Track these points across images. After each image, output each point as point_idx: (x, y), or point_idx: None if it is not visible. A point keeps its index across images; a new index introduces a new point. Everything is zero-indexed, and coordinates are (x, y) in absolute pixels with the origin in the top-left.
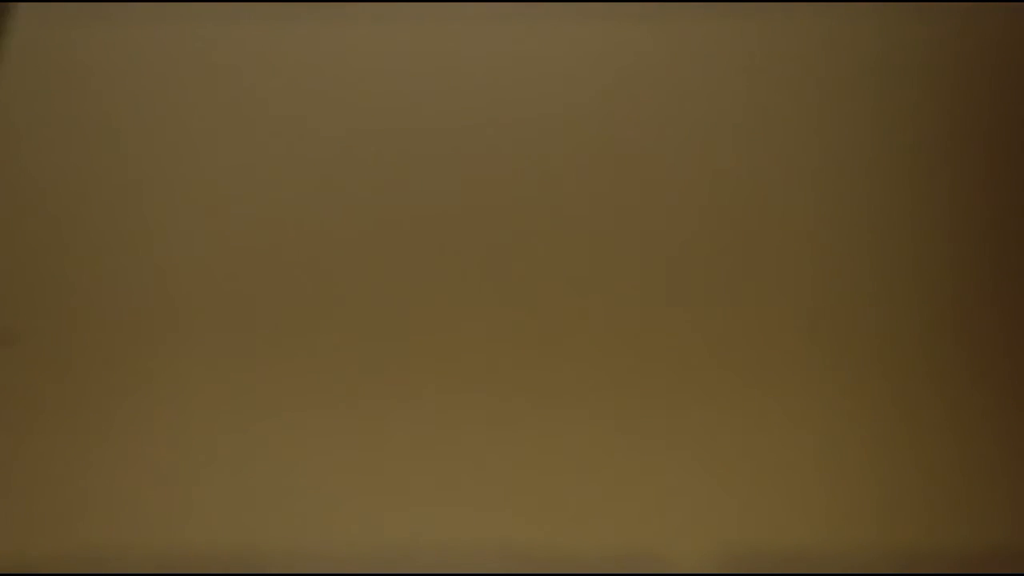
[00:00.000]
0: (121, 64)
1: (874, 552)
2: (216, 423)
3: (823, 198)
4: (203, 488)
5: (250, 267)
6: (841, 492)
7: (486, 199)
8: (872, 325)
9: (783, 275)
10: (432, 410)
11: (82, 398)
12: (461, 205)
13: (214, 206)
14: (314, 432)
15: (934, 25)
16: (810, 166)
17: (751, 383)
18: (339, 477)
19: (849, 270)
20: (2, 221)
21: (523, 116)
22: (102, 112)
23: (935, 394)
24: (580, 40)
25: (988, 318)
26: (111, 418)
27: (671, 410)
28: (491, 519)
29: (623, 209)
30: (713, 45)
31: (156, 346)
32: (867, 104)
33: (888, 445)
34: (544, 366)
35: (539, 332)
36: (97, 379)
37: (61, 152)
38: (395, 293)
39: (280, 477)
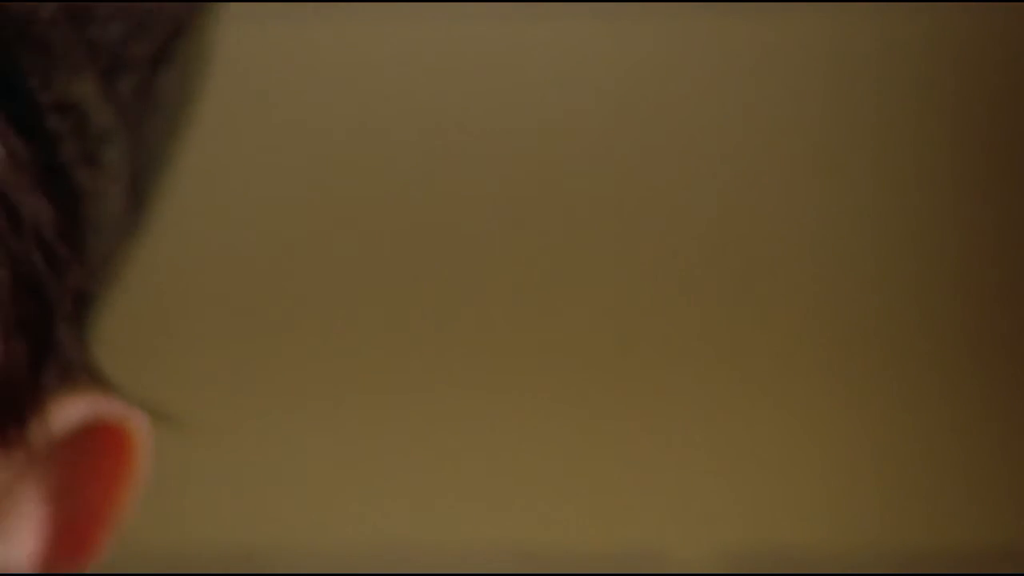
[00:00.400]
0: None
1: (876, 552)
2: (217, 422)
3: (825, 196)
4: (202, 488)
5: (249, 267)
6: (843, 492)
7: (486, 198)
8: (874, 324)
9: (785, 274)
10: (432, 409)
11: None
12: (461, 205)
13: (218, 205)
14: (315, 431)
15: (934, 25)
16: (812, 164)
17: (752, 382)
18: (336, 476)
19: (851, 270)
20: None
21: (522, 115)
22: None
23: (938, 394)
24: (580, 39)
25: (991, 316)
26: None
27: (672, 408)
28: (491, 518)
29: (624, 208)
30: (713, 45)
31: (158, 344)
32: (868, 103)
33: (891, 444)
34: (545, 365)
35: (540, 331)
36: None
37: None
38: (393, 291)
39: (281, 476)
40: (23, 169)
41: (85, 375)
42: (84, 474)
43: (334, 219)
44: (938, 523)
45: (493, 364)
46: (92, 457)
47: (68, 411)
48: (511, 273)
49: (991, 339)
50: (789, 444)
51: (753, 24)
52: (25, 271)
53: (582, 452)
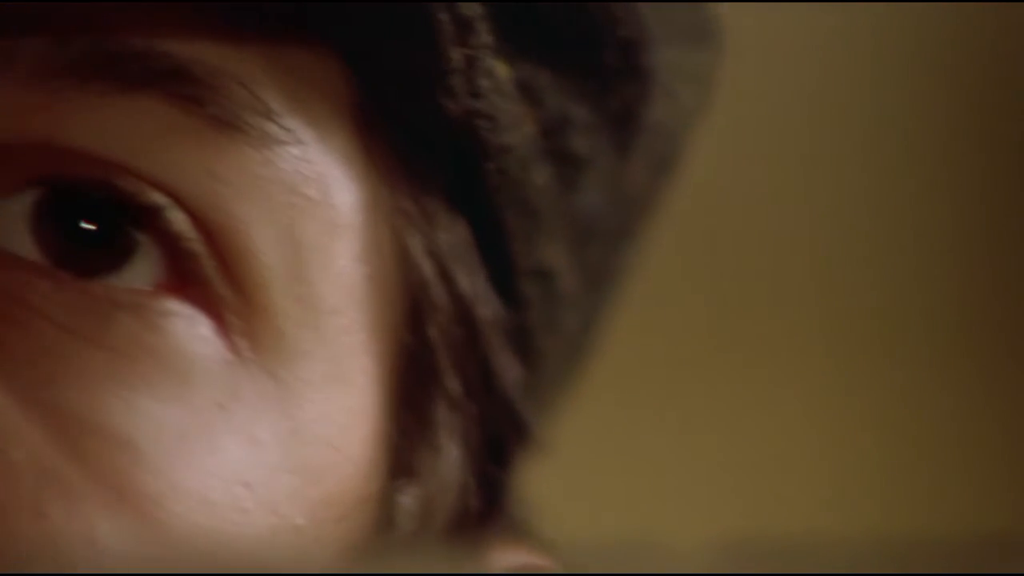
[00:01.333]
0: None
1: (876, 539)
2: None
3: (826, 189)
4: None
5: None
6: (843, 480)
7: None
8: (873, 313)
9: (787, 267)
10: None
11: None
12: None
13: None
14: None
15: (936, 24)
16: (814, 158)
17: (752, 371)
18: None
19: (853, 262)
20: None
21: None
22: None
23: (937, 383)
24: None
25: (990, 306)
26: None
27: (671, 398)
28: None
29: None
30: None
31: None
32: (868, 101)
33: (891, 433)
34: None
35: None
36: None
37: None
38: None
39: None
40: (499, 331)
41: (517, 530)
42: None
43: None
44: (938, 511)
45: None
46: None
47: (500, 562)
48: None
49: (990, 329)
50: (789, 433)
51: (753, 22)
52: (492, 431)
53: (578, 442)
